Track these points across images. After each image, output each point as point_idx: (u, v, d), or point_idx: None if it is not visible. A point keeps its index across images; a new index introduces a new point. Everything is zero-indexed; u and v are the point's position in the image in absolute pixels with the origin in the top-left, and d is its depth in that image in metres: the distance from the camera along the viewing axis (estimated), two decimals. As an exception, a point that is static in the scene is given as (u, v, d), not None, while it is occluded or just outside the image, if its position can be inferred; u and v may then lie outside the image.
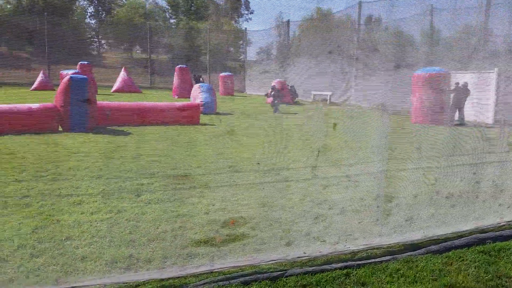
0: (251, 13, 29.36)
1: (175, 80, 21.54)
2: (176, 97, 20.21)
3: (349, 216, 4.89)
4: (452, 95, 12.39)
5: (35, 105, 10.21)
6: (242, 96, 18.98)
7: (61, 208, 4.75)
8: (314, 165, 6.71)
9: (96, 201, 5.02)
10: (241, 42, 29.03)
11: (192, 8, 28.87)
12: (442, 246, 4.19)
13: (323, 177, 6.44)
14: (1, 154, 7.50)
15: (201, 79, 22.10)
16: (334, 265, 3.70)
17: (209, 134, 11.15)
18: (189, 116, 12.32)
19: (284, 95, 16.28)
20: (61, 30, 22.94)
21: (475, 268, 3.79)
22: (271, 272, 3.50)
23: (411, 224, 4.69)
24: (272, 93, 16.92)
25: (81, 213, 4.61)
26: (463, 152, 6.02)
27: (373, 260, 3.86)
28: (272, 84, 18.86)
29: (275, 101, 16.37)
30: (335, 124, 6.69)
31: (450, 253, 4.10)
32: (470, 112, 12.36)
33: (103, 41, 29.67)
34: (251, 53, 28.63)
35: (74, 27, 26.14)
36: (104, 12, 28.87)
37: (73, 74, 11.96)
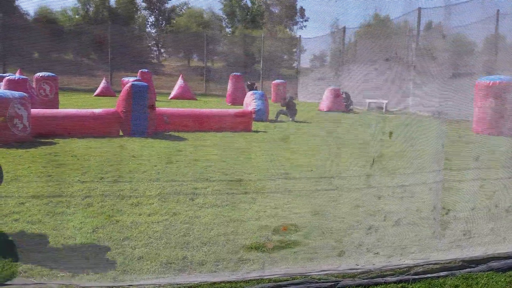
0: (306, 20, 29.31)
1: (229, 87, 21.92)
2: (230, 104, 20.54)
3: (403, 228, 4.74)
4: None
5: (97, 110, 10.76)
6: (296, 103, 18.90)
7: (120, 209, 4.96)
8: (369, 174, 6.57)
9: (153, 203, 5.20)
10: (295, 49, 29.07)
11: (248, 16, 29.29)
12: (506, 264, 3.95)
13: (377, 187, 6.29)
14: (66, 156, 7.96)
15: (255, 86, 22.31)
16: (389, 279, 3.60)
17: (261, 141, 11.23)
18: (242, 123, 12.47)
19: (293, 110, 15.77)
20: (123, 39, 24.06)
21: (543, 289, 3.54)
22: (323, 282, 3.46)
23: (470, 238, 4.47)
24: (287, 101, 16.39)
25: (139, 215, 4.79)
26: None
27: (429, 275, 3.70)
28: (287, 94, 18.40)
29: (284, 110, 15.92)
30: (391, 133, 6.52)
31: (515, 272, 3.85)
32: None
33: (162, 50, 30.78)
34: (305, 60, 28.60)
35: (135, 36, 27.33)
36: (164, 21, 29.97)
37: (134, 81, 12.50)
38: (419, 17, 14.80)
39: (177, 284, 3.31)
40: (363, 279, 3.57)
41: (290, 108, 15.82)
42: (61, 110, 11.85)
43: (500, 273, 3.81)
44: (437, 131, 4.97)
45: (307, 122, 15.68)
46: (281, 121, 15.34)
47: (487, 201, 5.55)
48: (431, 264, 3.85)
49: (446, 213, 4.96)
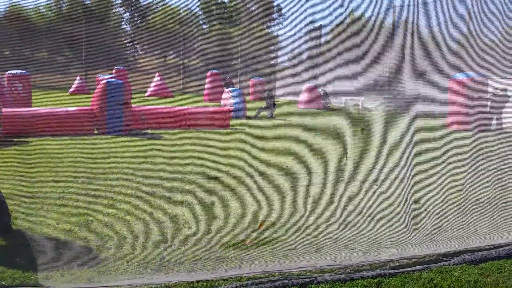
0: (283, 18, 29.38)
1: (207, 84, 21.82)
2: (207, 101, 20.45)
3: (378, 223, 4.80)
4: (489, 101, 12.01)
5: (72, 109, 10.55)
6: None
7: (95, 209, 4.87)
8: (344, 169, 6.64)
9: (129, 203, 5.13)
10: (272, 47, 29.12)
11: (225, 14, 29.18)
12: (478, 257, 4.05)
13: (353, 182, 6.36)
14: (40, 156, 7.78)
15: (232, 83, 22.26)
16: (366, 273, 3.64)
17: (239, 138, 11.21)
18: (220, 120, 12.43)
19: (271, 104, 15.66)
20: (98, 36, 23.64)
21: (514, 280, 3.64)
22: (301, 278, 3.47)
23: (443, 233, 4.56)
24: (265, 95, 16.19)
25: (115, 214, 4.71)
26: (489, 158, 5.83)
27: (405, 269, 3.77)
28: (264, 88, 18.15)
29: (264, 106, 15.81)
30: (362, 129, 6.61)
31: (487, 264, 3.95)
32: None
33: (138, 47, 30.38)
34: (282, 58, 28.70)
35: (110, 33, 26.88)
36: (139, 18, 29.58)
37: (109, 78, 12.29)
38: (394, 15, 15.02)
39: (154, 284, 3.27)
40: (341, 274, 3.60)
41: (268, 102, 15.76)
42: (34, 109, 11.56)
43: (473, 265, 3.91)
44: (407, 127, 5.05)
45: (285, 120, 15.73)
46: (259, 119, 15.35)
47: (458, 195, 5.68)
48: (407, 259, 3.91)
49: (420, 208, 5.06)
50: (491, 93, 12.13)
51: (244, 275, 3.47)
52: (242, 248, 3.97)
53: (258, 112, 15.67)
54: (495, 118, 11.83)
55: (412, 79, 5.36)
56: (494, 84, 12.12)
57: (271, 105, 15.66)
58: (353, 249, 4.09)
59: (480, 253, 4.12)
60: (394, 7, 13.88)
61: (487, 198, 5.36)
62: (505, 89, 11.97)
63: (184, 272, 3.49)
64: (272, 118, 15.47)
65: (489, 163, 5.84)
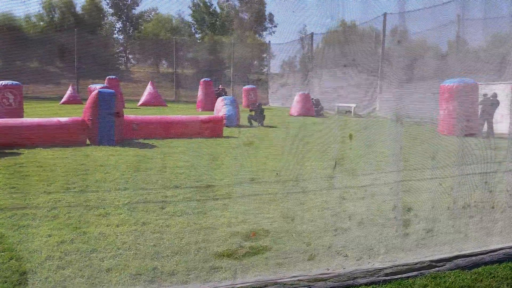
0: (275, 26, 29.52)
1: (200, 93, 21.85)
2: (200, 110, 20.45)
3: (371, 229, 4.81)
4: (480, 106, 12.12)
5: (64, 119, 10.49)
6: (266, 108, 19.03)
7: (87, 220, 4.83)
8: (336, 176, 6.66)
9: (122, 213, 5.10)
10: (264, 55, 29.24)
11: (217, 22, 29.28)
12: (471, 262, 4.07)
13: (344, 189, 6.37)
14: (31, 167, 7.72)
15: (223, 92, 22.30)
16: (360, 281, 3.64)
17: (232, 147, 11.20)
18: (213, 129, 12.42)
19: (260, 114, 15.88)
20: (90, 46, 23.63)
21: (507, 285, 3.66)
22: (295, 287, 3.47)
23: (435, 238, 4.58)
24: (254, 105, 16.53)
25: (107, 225, 4.68)
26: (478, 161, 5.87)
27: (399, 275, 3.77)
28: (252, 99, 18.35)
29: (255, 116, 15.99)
30: (351, 135, 6.65)
31: (480, 269, 3.97)
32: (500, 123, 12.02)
33: (130, 56, 30.39)
34: (275, 65, 28.82)
35: (102, 43, 26.87)
36: (131, 28, 29.60)
37: (101, 88, 12.26)
38: (384, 23, 15.17)
39: (147, 296, 3.25)
40: (335, 282, 3.60)
41: (258, 113, 15.91)
42: (26, 120, 11.49)
43: (466, 270, 3.92)
44: (396, 133, 5.08)
45: (278, 127, 15.77)
46: (253, 127, 15.37)
47: (450, 199, 5.71)
48: (400, 266, 3.92)
49: (411, 213, 5.07)
50: (481, 98, 12.25)
51: (237, 286, 3.46)
52: (236, 257, 3.95)
53: (250, 120, 15.76)
54: (485, 123, 11.93)
55: (401, 85, 5.40)
56: (485, 89, 12.25)
57: (261, 116, 15.87)
58: (346, 256, 4.09)
59: (473, 258, 4.13)
60: (385, 14, 14.02)
61: (479, 202, 5.40)
62: (495, 94, 12.10)
63: (177, 284, 3.47)
64: (261, 125, 15.60)
65: (481, 167, 5.88)
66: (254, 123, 15.72)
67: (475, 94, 11.91)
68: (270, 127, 15.46)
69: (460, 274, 3.84)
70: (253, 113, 16.10)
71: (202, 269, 3.72)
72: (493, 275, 3.85)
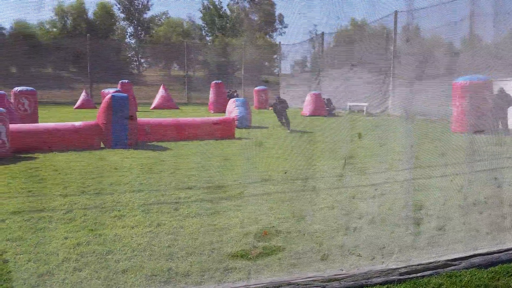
0: (285, 27, 29.49)
1: (211, 95, 21.93)
2: (212, 111, 20.53)
3: (384, 228, 4.78)
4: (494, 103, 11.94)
5: (78, 123, 10.63)
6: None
7: (103, 222, 4.90)
8: (342, 174, 6.64)
9: (136, 215, 5.15)
10: (275, 56, 29.25)
11: (228, 24, 29.36)
12: (487, 260, 4.02)
13: (352, 187, 6.35)
14: (47, 171, 7.83)
15: (235, 94, 22.34)
16: (374, 280, 3.63)
17: (244, 148, 11.23)
18: (224, 130, 12.47)
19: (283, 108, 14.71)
20: (102, 51, 23.88)
21: (525, 284, 3.61)
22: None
23: (448, 236, 4.53)
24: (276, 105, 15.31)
25: (122, 227, 4.73)
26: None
27: (414, 275, 3.74)
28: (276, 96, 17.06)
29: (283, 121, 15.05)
30: (360, 134, 6.63)
31: (497, 267, 3.92)
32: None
33: (142, 60, 30.64)
34: (286, 66, 28.81)
35: (114, 47, 27.13)
36: (143, 32, 29.85)
37: (114, 92, 12.39)
38: (395, 21, 15.04)
39: (162, 296, 3.28)
40: (349, 282, 3.59)
41: (283, 116, 14.97)
42: (41, 124, 11.66)
43: (483, 269, 3.87)
44: (408, 131, 5.05)
45: (292, 127, 15.73)
46: (264, 127, 15.36)
47: (468, 197, 5.65)
48: (414, 265, 3.89)
49: (426, 212, 5.03)
50: (497, 95, 12.07)
51: (251, 286, 3.47)
52: (250, 258, 3.97)
53: (280, 118, 15.03)
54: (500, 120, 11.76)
55: (413, 84, 5.37)
56: (499, 85, 12.08)
57: (286, 119, 14.87)
58: (359, 255, 4.07)
59: (489, 256, 4.08)
60: (395, 12, 13.92)
61: (496, 199, 5.33)
62: (502, 89, 11.93)
63: (191, 284, 3.49)
64: (289, 129, 14.69)
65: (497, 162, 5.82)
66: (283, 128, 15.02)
67: (489, 91, 11.75)
68: (282, 127, 15.43)
69: (476, 273, 3.79)
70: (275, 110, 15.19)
71: (216, 269, 3.74)
72: (510, 273, 3.80)
